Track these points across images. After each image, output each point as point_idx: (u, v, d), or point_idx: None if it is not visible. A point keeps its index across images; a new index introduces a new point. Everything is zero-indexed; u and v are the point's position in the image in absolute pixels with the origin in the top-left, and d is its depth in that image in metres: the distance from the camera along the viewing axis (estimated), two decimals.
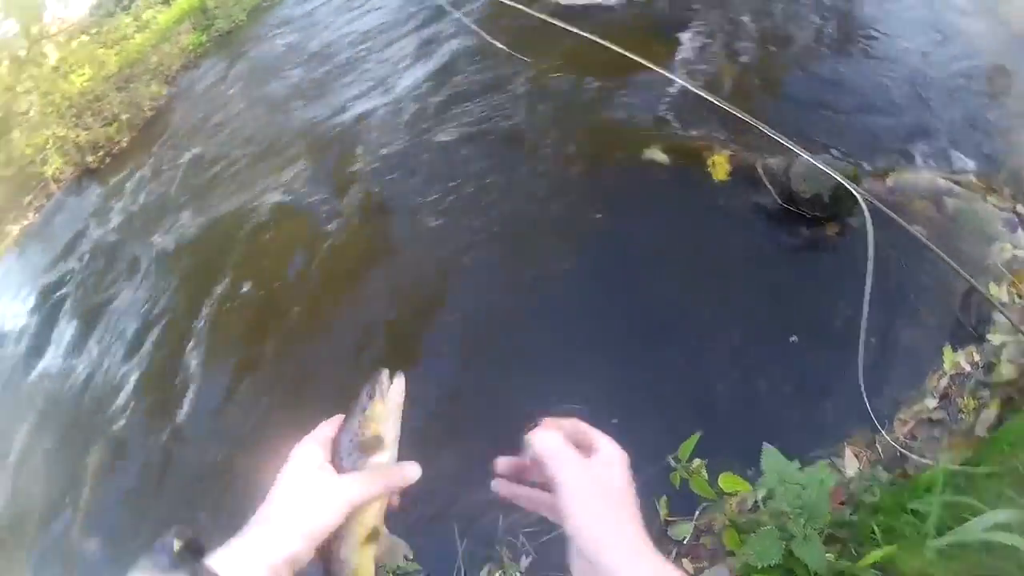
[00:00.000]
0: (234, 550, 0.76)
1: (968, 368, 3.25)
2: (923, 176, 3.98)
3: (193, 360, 5.93)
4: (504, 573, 3.17)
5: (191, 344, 6.07)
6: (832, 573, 2.06)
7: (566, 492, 0.72)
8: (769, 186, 4.08)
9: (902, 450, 2.98)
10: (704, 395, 3.54)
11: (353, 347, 5.03)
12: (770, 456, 2.06)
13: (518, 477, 0.87)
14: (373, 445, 0.87)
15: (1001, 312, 3.04)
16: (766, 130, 2.34)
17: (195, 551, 0.74)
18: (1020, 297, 3.35)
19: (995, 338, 3.28)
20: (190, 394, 5.68)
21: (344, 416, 0.90)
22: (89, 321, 7.69)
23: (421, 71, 7.52)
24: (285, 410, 4.88)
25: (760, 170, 4.13)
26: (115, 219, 9.33)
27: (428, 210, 5.57)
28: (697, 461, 2.07)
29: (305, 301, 5.71)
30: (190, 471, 5.12)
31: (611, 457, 0.77)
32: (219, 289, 6.42)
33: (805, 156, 2.21)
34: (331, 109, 7.93)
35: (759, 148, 4.31)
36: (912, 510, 2.28)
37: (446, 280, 5.03)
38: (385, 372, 0.91)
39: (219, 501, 4.47)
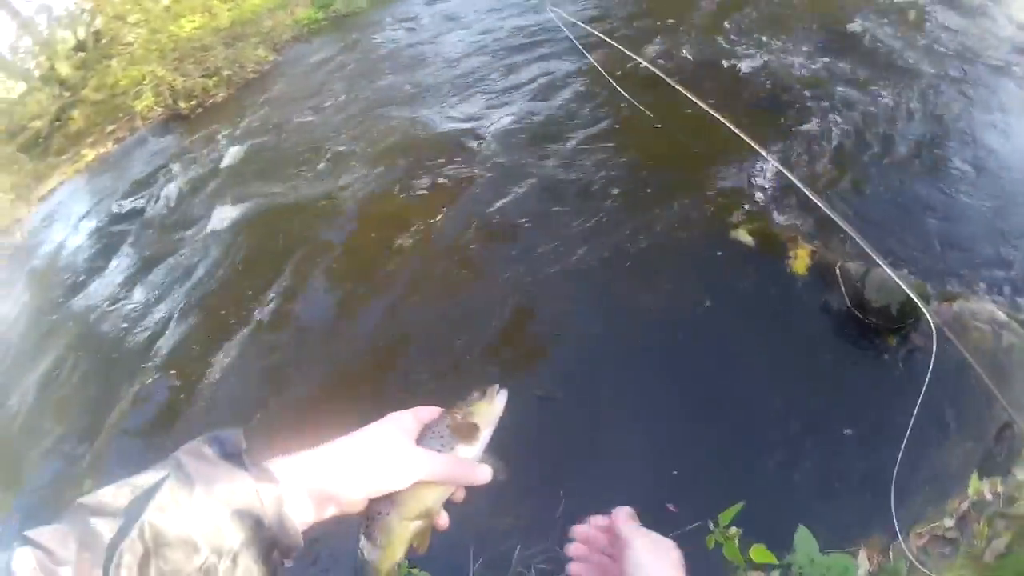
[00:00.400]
0: (292, 462, 0.76)
1: (989, 497, 3.34)
2: (985, 307, 4.09)
3: (256, 316, 5.99)
4: None
5: (256, 307, 6.09)
6: None
7: (634, 552, 0.95)
8: (843, 288, 4.21)
9: (914, 561, 3.10)
10: (743, 469, 3.67)
11: (421, 354, 5.12)
12: (804, 537, 2.24)
13: (590, 543, 1.10)
14: (466, 432, 0.90)
15: None
16: (857, 237, 2.50)
17: (242, 452, 0.73)
18: None
19: (1021, 474, 3.38)
20: (246, 348, 5.78)
21: (444, 409, 0.93)
22: (150, 260, 7.78)
23: (535, 93, 7.35)
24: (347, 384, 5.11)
25: (838, 271, 4.27)
26: (197, 170, 9.25)
27: (519, 233, 5.62)
28: (733, 529, 2.24)
29: (378, 293, 5.75)
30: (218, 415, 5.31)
31: (670, 544, 0.99)
32: (291, 265, 6.39)
33: (888, 271, 2.37)
34: (439, 114, 7.82)
35: (839, 250, 4.44)
36: None
37: (527, 302, 5.12)
38: (496, 386, 0.97)
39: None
